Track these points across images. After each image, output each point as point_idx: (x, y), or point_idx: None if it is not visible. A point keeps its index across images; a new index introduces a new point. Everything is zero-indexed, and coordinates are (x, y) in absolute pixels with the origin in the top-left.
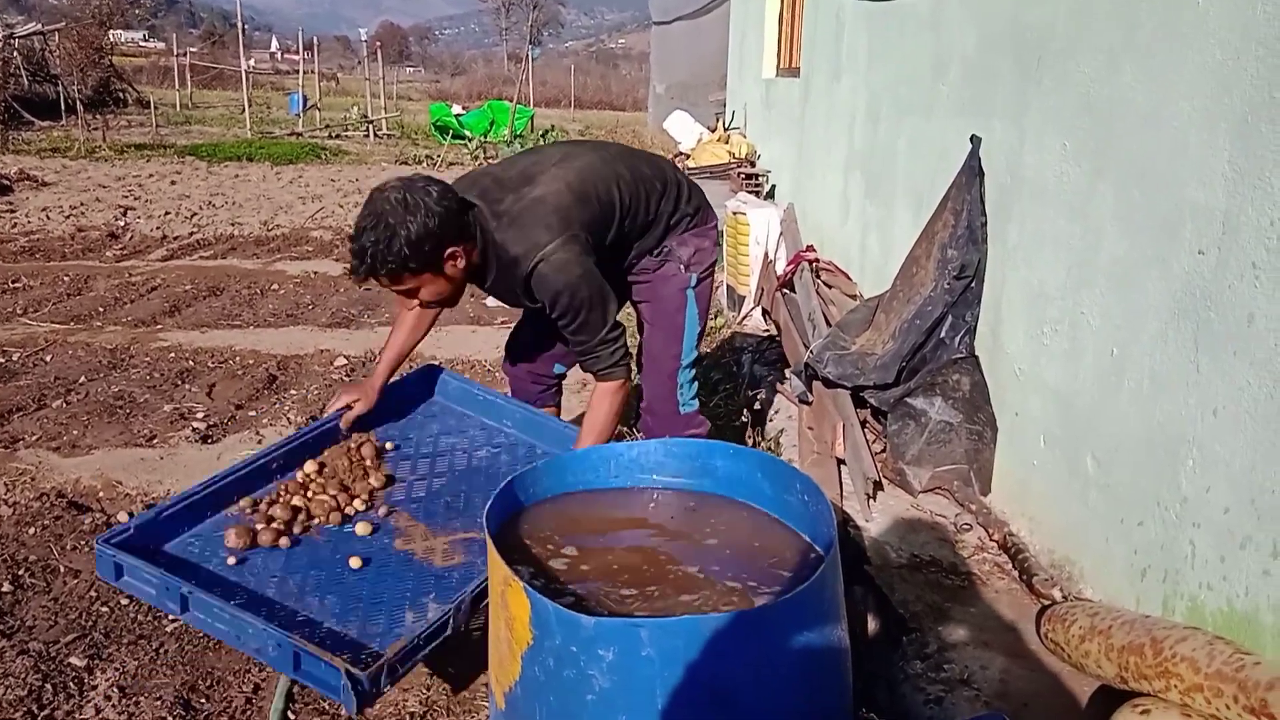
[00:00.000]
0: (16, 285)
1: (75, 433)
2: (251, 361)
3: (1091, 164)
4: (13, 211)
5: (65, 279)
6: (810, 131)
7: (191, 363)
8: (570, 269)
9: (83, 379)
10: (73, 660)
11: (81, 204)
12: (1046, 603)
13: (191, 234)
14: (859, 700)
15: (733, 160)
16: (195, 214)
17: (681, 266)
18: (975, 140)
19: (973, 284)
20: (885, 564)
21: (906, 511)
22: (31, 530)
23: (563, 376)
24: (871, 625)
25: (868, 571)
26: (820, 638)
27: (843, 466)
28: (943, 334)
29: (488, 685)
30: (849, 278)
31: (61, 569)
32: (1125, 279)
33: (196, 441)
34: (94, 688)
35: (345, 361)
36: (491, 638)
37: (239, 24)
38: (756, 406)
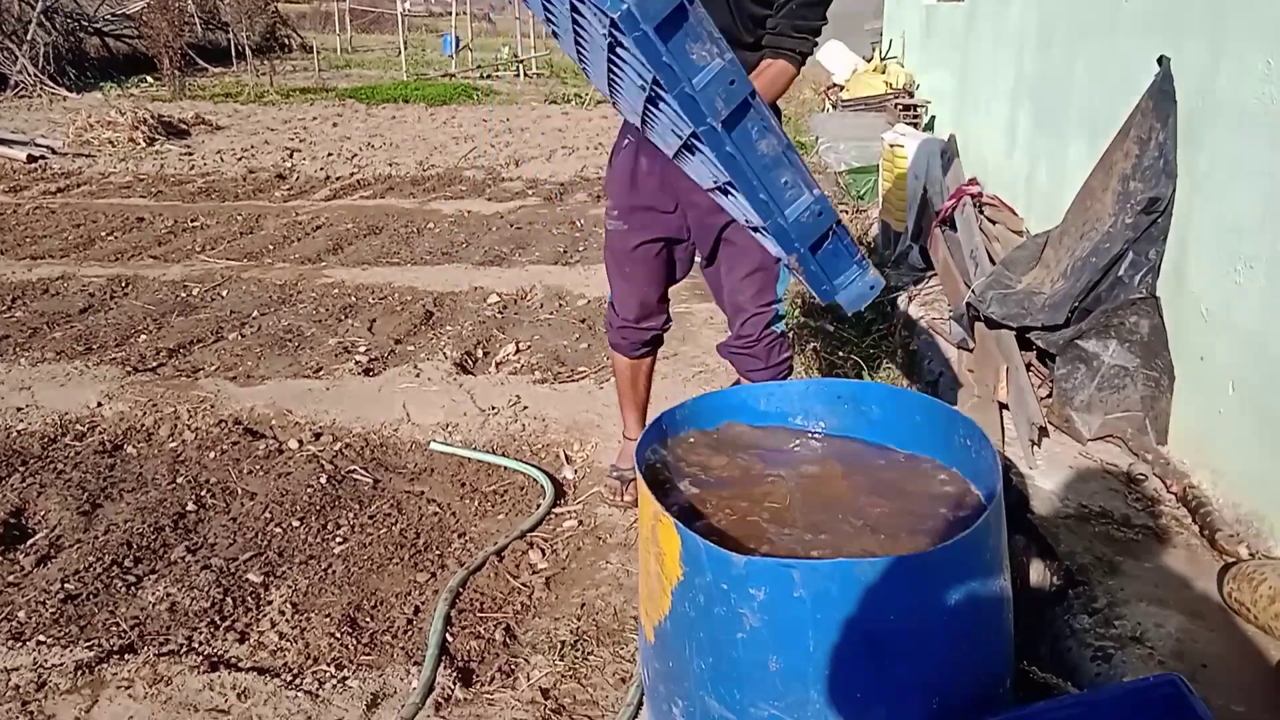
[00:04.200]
0: (195, 224)
1: (249, 364)
2: (409, 298)
3: None
4: (190, 154)
5: (238, 218)
6: (975, 59)
7: (353, 299)
8: None
9: (255, 313)
10: (250, 576)
11: (252, 146)
12: (1231, 560)
13: (352, 174)
14: (1020, 653)
15: (890, 91)
16: (355, 155)
17: None
18: (1164, 61)
19: (1160, 219)
20: (1051, 513)
21: (1074, 460)
22: (212, 454)
23: (667, 326)
24: (1035, 576)
25: (1031, 520)
26: (981, 587)
27: (1005, 411)
28: (1121, 272)
29: (637, 619)
30: (1015, 213)
31: (239, 491)
32: None
33: (359, 374)
34: (269, 603)
35: (498, 299)
36: (642, 571)
37: None
38: (913, 348)
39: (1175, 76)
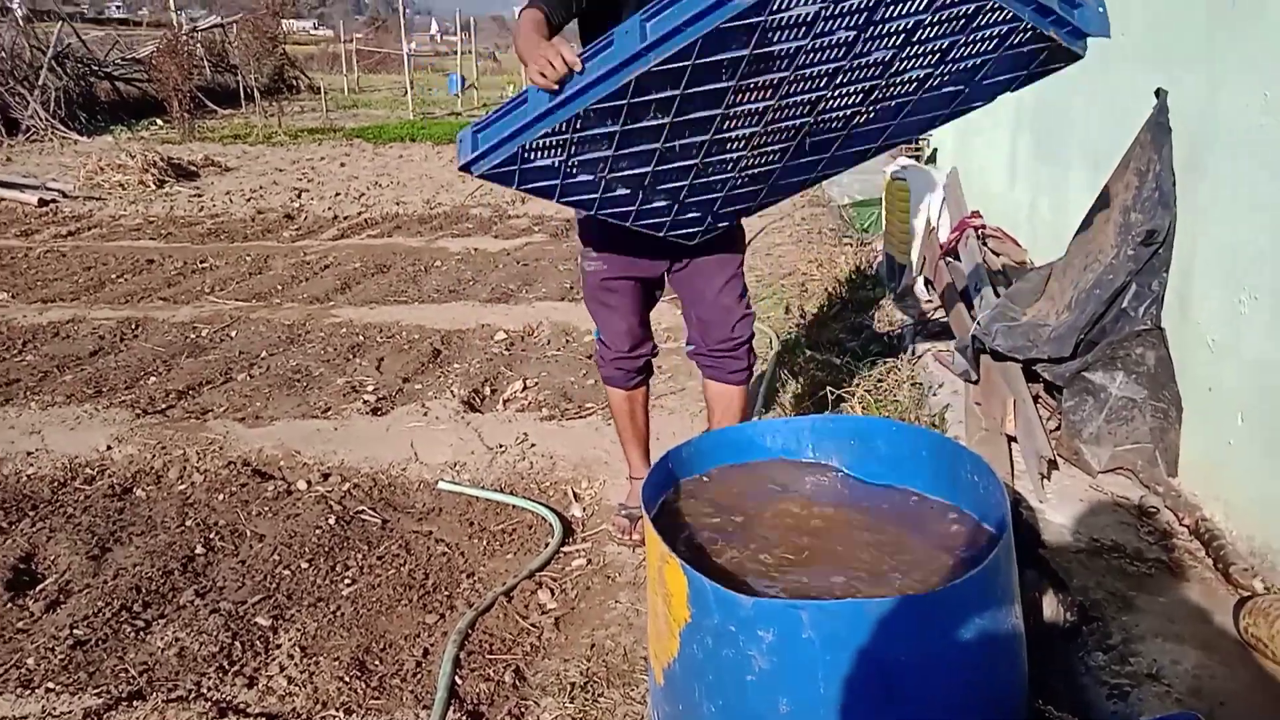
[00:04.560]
0: (204, 265)
1: (258, 404)
2: (417, 336)
3: None
4: (199, 195)
5: (247, 259)
6: None
7: (361, 338)
8: None
9: (264, 353)
10: (259, 620)
11: (260, 187)
12: (1246, 594)
13: (360, 213)
14: (1035, 691)
15: None
16: (363, 194)
17: None
18: (1161, 94)
19: (1160, 250)
20: (1062, 548)
21: (1085, 493)
22: (220, 496)
23: (655, 352)
24: (1048, 612)
25: (1042, 555)
26: (993, 625)
27: (1013, 444)
28: (1125, 304)
29: (647, 659)
30: (1018, 244)
31: (248, 533)
32: None
33: (367, 413)
34: (278, 646)
35: (505, 336)
36: (650, 612)
37: (401, 9)
38: (919, 380)
39: (1173, 109)
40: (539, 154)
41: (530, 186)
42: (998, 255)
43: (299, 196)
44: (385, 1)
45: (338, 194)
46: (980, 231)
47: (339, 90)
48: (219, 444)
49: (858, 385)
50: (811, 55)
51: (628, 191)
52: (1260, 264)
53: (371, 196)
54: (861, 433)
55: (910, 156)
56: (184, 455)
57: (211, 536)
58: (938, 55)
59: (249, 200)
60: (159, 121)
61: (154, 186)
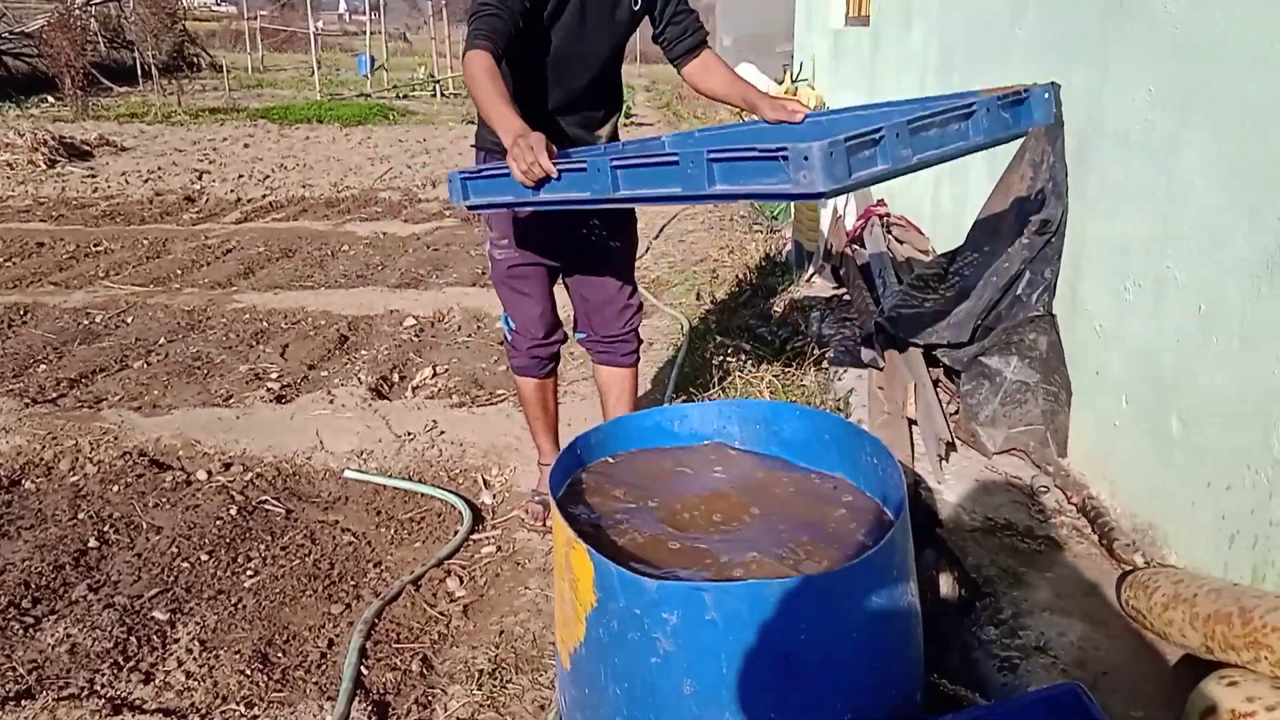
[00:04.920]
0: (98, 249)
1: (155, 393)
2: (323, 322)
3: (1179, 110)
4: (94, 176)
5: (144, 242)
6: (881, 82)
7: (265, 324)
8: None
9: (162, 340)
10: (156, 614)
11: (159, 168)
12: (1128, 568)
13: (264, 196)
14: (930, 666)
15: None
16: (268, 176)
17: None
18: (1054, 88)
19: (1053, 239)
20: (958, 527)
21: (980, 473)
22: (115, 488)
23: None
24: (944, 589)
25: (940, 535)
26: (889, 603)
27: (914, 427)
28: (1020, 291)
29: (554, 644)
30: (921, 232)
31: (144, 525)
32: (1214, 232)
33: (271, 401)
34: (176, 640)
35: (415, 321)
36: (558, 598)
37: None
38: (824, 366)
39: (1067, 102)
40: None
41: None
42: (901, 243)
43: (200, 178)
44: None
45: (241, 176)
46: (885, 220)
47: (243, 69)
48: (113, 434)
49: (766, 370)
50: None
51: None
52: (1144, 254)
53: (277, 179)
54: (767, 417)
55: None
56: (76, 446)
57: (105, 529)
58: None
59: (146, 181)
60: (50, 99)
61: (44, 166)
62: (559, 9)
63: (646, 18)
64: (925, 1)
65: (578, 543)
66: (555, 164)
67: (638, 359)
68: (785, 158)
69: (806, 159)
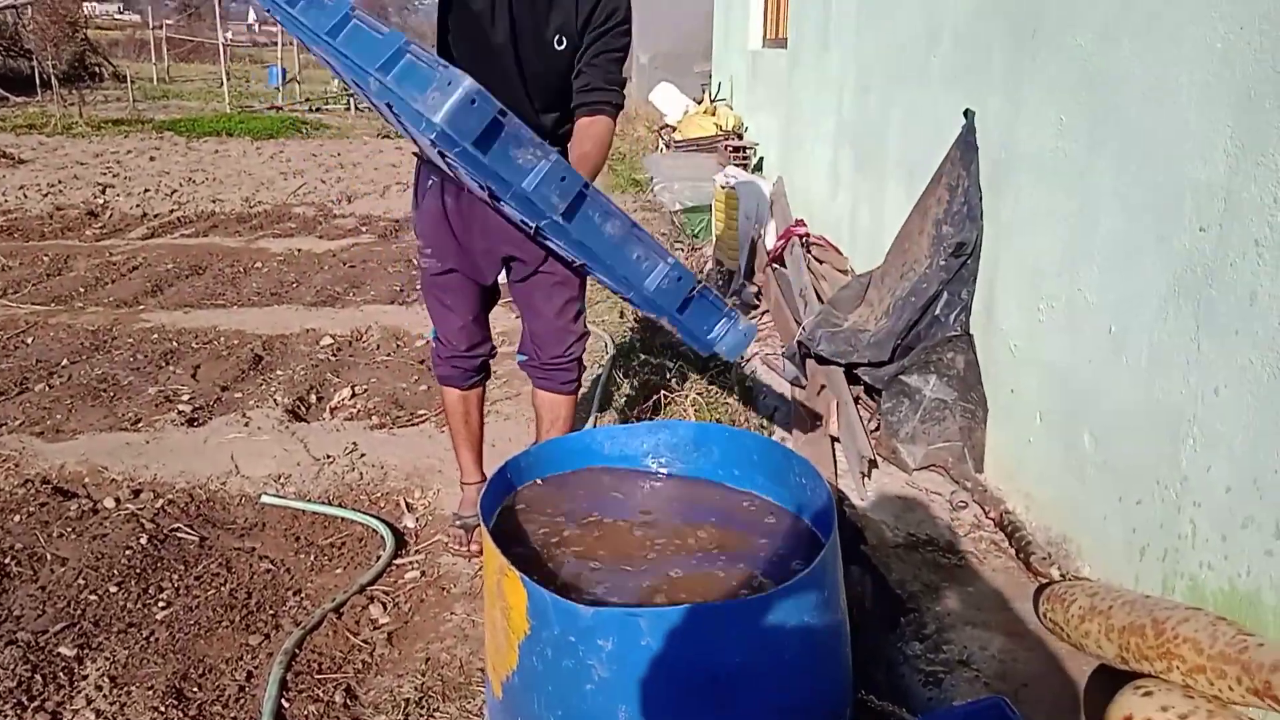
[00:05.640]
0: None
1: (59, 417)
2: (236, 342)
3: (1088, 139)
4: None
5: (44, 259)
6: (798, 103)
7: (175, 344)
8: None
9: (65, 361)
10: (62, 650)
11: (59, 181)
12: (1045, 581)
13: (172, 211)
14: (857, 682)
15: (720, 133)
16: (175, 191)
17: None
18: (969, 114)
19: (969, 261)
20: (881, 543)
21: (902, 489)
22: (16, 518)
23: (494, 353)
24: (869, 606)
25: (864, 552)
26: (821, 623)
27: (837, 444)
28: (938, 311)
29: (484, 671)
30: (840, 252)
31: (48, 556)
32: (1123, 255)
33: (182, 424)
34: (84, 677)
35: (331, 340)
36: (488, 625)
37: None
38: (748, 384)
39: (982, 128)
40: None
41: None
42: (821, 263)
43: (103, 192)
44: None
45: (147, 190)
46: (805, 239)
47: (148, 80)
48: (14, 460)
49: (690, 388)
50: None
51: None
52: (1056, 276)
53: (185, 193)
54: (696, 438)
55: (738, 164)
56: None
57: (6, 561)
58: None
59: (46, 195)
60: None
61: None
62: None
63: None
64: (842, 25)
65: (510, 570)
66: None
67: (578, 387)
68: (442, 68)
69: (450, 84)
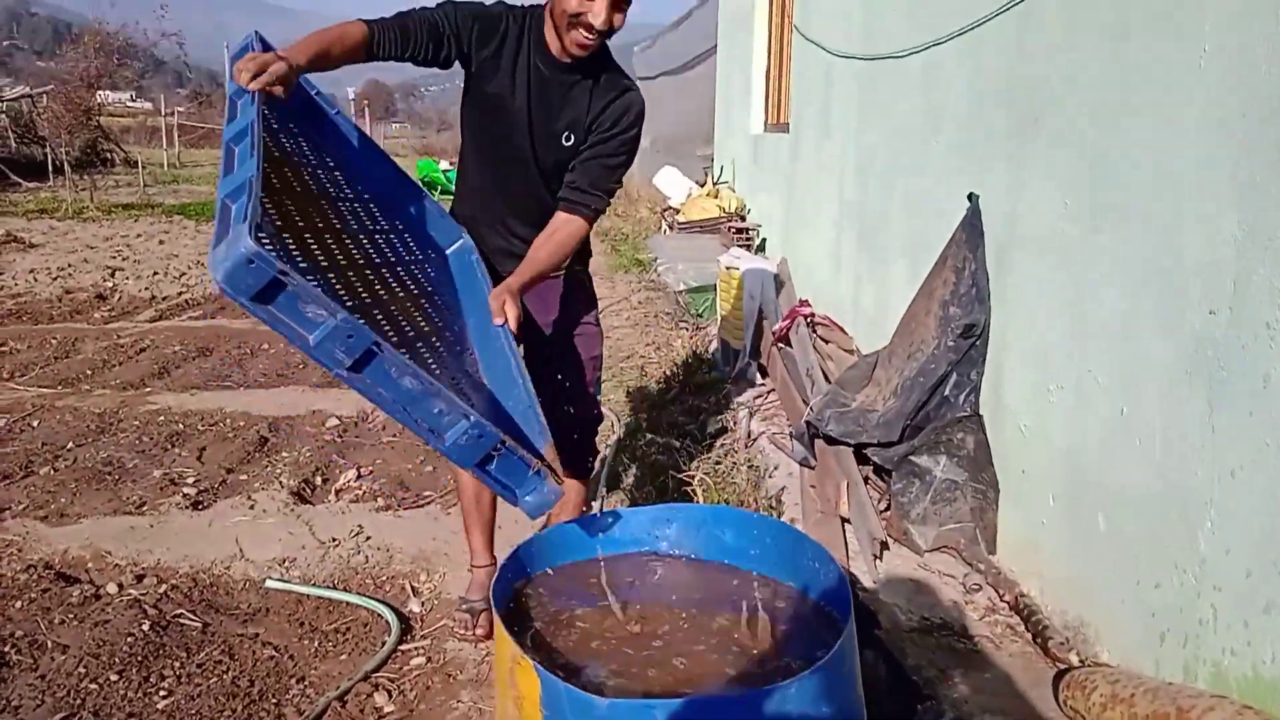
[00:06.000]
0: (3, 349)
1: (63, 500)
2: (242, 423)
3: (1091, 221)
4: None
5: (53, 341)
6: (800, 186)
7: (181, 426)
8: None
9: (71, 445)
10: None
11: (69, 265)
12: (1063, 667)
13: (180, 294)
14: None
15: (723, 215)
16: (184, 274)
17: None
18: (973, 197)
19: (978, 342)
20: (895, 627)
21: (914, 571)
22: (18, 604)
23: None
24: (884, 692)
25: (878, 636)
26: (839, 712)
27: (847, 525)
28: (947, 392)
29: None
30: (845, 332)
31: (49, 644)
32: (1131, 336)
33: (187, 508)
34: None
35: (338, 422)
36: (499, 715)
37: (226, 82)
38: (755, 464)
39: (985, 211)
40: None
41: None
42: (827, 342)
43: (112, 275)
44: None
45: (156, 273)
46: (810, 319)
47: (158, 165)
48: (17, 545)
49: (697, 468)
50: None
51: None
52: (1064, 357)
53: (194, 276)
54: (708, 521)
55: (741, 245)
56: None
57: (6, 650)
58: None
59: (56, 279)
60: None
61: None
62: (494, 62)
63: None
64: (844, 112)
65: (524, 658)
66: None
67: (591, 471)
68: (223, 209)
69: (236, 241)
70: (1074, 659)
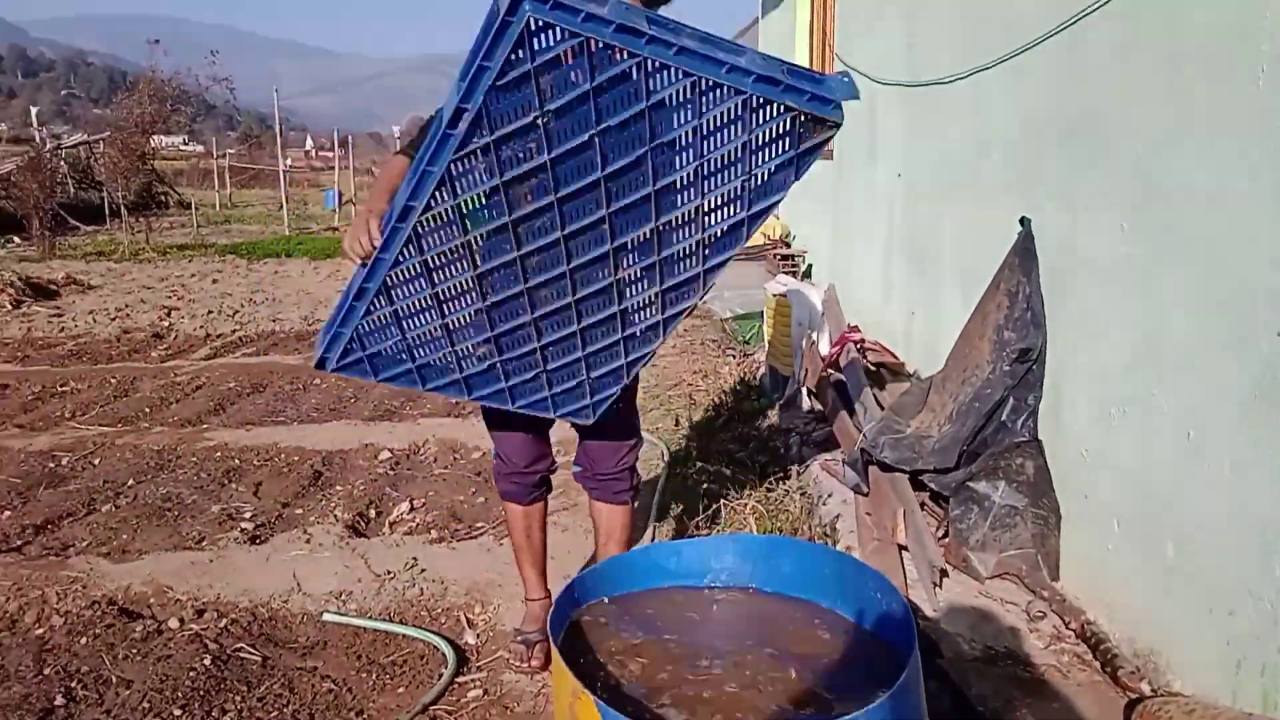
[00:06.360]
0: (64, 389)
1: (125, 537)
2: (297, 458)
3: (1153, 245)
4: (60, 315)
5: (112, 381)
6: (845, 213)
7: (238, 461)
8: None
9: (131, 481)
10: None
11: (126, 305)
12: (1135, 697)
13: (234, 331)
14: None
15: (768, 242)
16: (237, 311)
17: None
18: (1025, 221)
19: (1034, 366)
20: (958, 656)
21: (975, 599)
22: (83, 640)
23: (554, 468)
24: None
25: (941, 666)
26: None
27: (904, 553)
28: (1004, 417)
29: None
30: (896, 357)
31: (114, 679)
32: (1197, 360)
33: (245, 542)
34: None
35: (390, 455)
36: None
37: (277, 125)
38: (807, 491)
39: (1038, 235)
40: (374, 338)
41: (388, 375)
42: (878, 368)
43: (168, 315)
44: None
45: (210, 312)
46: (859, 345)
47: (211, 206)
48: (81, 582)
49: (749, 496)
50: (558, 170)
51: (485, 367)
52: (1126, 380)
53: (246, 314)
54: (766, 551)
55: (787, 272)
56: (42, 596)
57: (73, 685)
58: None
59: (114, 319)
60: (16, 239)
61: (10, 307)
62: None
63: None
64: (889, 137)
65: (584, 693)
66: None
67: (633, 496)
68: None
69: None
70: (1145, 688)
